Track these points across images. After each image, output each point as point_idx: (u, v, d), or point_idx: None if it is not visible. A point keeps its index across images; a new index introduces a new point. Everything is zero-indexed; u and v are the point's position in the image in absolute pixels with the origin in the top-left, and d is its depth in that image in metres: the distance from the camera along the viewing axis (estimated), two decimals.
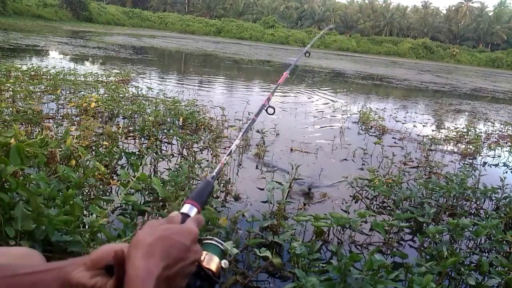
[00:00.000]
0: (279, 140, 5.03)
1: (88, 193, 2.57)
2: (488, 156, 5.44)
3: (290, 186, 3.18)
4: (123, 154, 3.13)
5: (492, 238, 2.42)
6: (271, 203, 2.79)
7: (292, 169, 3.35)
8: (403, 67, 33.04)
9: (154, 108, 5.16)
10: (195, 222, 0.67)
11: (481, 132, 6.81)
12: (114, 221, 2.19)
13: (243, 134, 1.10)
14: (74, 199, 1.75)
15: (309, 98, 9.84)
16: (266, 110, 1.25)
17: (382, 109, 8.08)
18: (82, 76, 7.50)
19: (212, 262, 0.66)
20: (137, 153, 3.38)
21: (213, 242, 0.69)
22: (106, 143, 3.66)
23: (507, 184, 3.42)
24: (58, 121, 4.46)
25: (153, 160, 3.43)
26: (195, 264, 0.63)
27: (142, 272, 0.54)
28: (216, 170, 0.89)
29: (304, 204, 3.10)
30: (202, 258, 0.65)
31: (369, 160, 4.58)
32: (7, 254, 0.83)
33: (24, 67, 7.50)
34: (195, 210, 0.70)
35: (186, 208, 0.70)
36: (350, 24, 75.69)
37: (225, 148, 4.36)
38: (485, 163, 5.08)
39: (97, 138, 3.86)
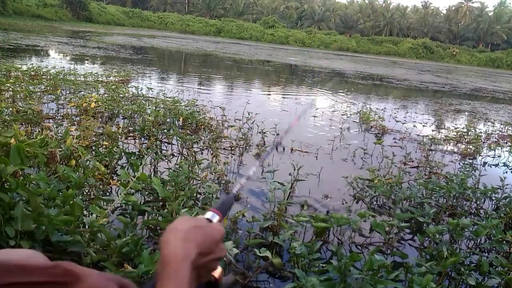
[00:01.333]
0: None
1: (88, 193, 2.57)
2: (488, 156, 5.44)
3: (292, 187, 3.18)
4: (123, 154, 3.13)
5: (492, 238, 2.42)
6: (272, 202, 2.78)
7: (294, 170, 3.34)
8: (403, 67, 33.05)
9: (154, 108, 5.16)
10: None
11: (481, 132, 6.80)
12: (114, 221, 2.19)
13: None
14: (74, 199, 1.75)
15: (309, 98, 9.84)
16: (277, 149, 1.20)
17: (382, 109, 8.08)
18: (82, 76, 7.50)
19: (216, 270, 0.72)
20: (137, 153, 3.38)
21: None
22: (106, 143, 3.66)
23: (507, 184, 3.42)
24: (58, 121, 4.46)
25: (153, 160, 3.43)
26: (219, 262, 0.67)
27: (181, 251, 0.58)
28: (236, 188, 0.92)
29: (304, 206, 3.10)
30: None
31: (369, 160, 4.58)
32: (10, 256, 0.83)
33: (24, 67, 7.50)
34: (217, 217, 0.75)
35: (209, 215, 0.75)
36: (350, 24, 75.68)
37: (224, 149, 4.36)
38: (485, 163, 5.08)
39: (97, 138, 3.86)
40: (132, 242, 1.74)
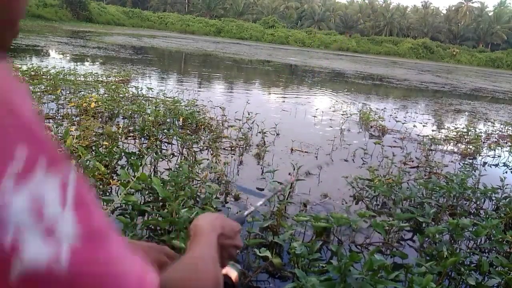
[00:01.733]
0: (279, 140, 5.03)
1: None
2: (488, 156, 5.44)
3: (292, 187, 3.18)
4: (123, 154, 3.13)
5: (492, 238, 2.42)
6: (272, 202, 2.78)
7: (294, 169, 3.35)
8: (403, 67, 33.05)
9: (154, 108, 5.16)
10: None
11: (481, 132, 6.80)
12: (114, 221, 2.19)
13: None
14: None
15: (309, 98, 9.84)
16: None
17: (382, 109, 8.08)
18: (82, 76, 7.50)
19: (232, 273, 0.87)
20: (137, 153, 3.38)
21: (234, 263, 0.92)
22: (106, 143, 3.66)
23: (507, 184, 3.42)
24: (58, 121, 4.46)
25: (153, 160, 3.43)
26: (237, 250, 0.83)
27: (210, 224, 0.76)
28: (247, 212, 1.07)
29: (305, 205, 3.10)
30: (225, 271, 0.85)
31: (369, 160, 4.58)
32: None
33: (24, 67, 7.50)
34: None
35: None
36: (350, 24, 75.67)
37: (224, 149, 4.36)
38: (485, 163, 5.08)
39: (97, 138, 3.86)
40: None
